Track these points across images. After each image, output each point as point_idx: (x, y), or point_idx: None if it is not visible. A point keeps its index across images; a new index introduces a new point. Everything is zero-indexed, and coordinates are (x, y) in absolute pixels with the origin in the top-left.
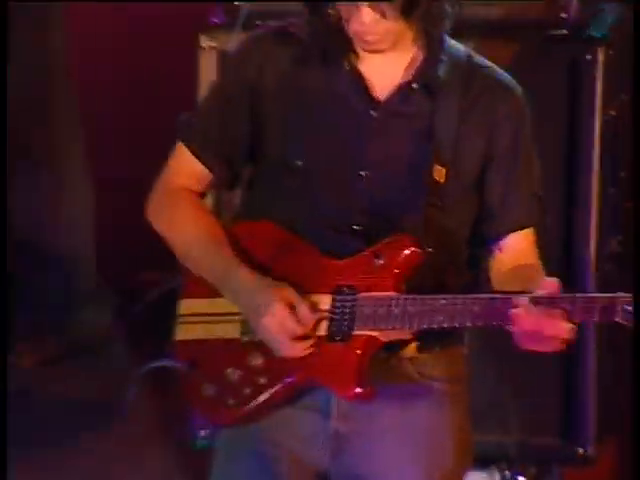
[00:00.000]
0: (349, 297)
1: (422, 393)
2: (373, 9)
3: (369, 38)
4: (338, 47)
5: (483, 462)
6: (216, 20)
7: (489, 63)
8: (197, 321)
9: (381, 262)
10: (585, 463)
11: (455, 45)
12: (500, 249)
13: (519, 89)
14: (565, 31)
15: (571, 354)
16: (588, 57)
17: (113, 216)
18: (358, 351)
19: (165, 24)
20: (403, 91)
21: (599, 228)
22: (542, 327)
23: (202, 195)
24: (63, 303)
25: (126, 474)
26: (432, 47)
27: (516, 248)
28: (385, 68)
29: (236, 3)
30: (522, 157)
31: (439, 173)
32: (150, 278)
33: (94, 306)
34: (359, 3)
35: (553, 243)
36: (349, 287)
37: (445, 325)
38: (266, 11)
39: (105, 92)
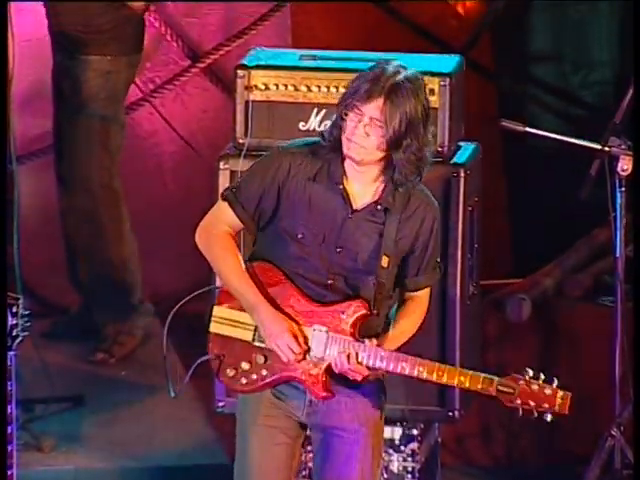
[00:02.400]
0: (323, 334)
1: (361, 385)
2: (364, 128)
3: (352, 145)
4: (337, 172)
5: (393, 421)
6: (229, 151)
7: (420, 185)
8: (225, 323)
9: (344, 317)
10: (453, 422)
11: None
12: (410, 296)
13: (436, 204)
14: (441, 159)
15: (445, 358)
16: (455, 174)
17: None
18: (323, 370)
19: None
20: (371, 208)
21: (462, 277)
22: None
23: (235, 236)
24: (128, 315)
25: (172, 426)
26: (389, 183)
27: (419, 298)
28: (362, 191)
29: (240, 141)
30: (433, 245)
31: (385, 261)
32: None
33: (141, 315)
34: (362, 121)
35: (435, 287)
36: (324, 329)
37: (375, 366)
38: (258, 146)
39: (156, 201)
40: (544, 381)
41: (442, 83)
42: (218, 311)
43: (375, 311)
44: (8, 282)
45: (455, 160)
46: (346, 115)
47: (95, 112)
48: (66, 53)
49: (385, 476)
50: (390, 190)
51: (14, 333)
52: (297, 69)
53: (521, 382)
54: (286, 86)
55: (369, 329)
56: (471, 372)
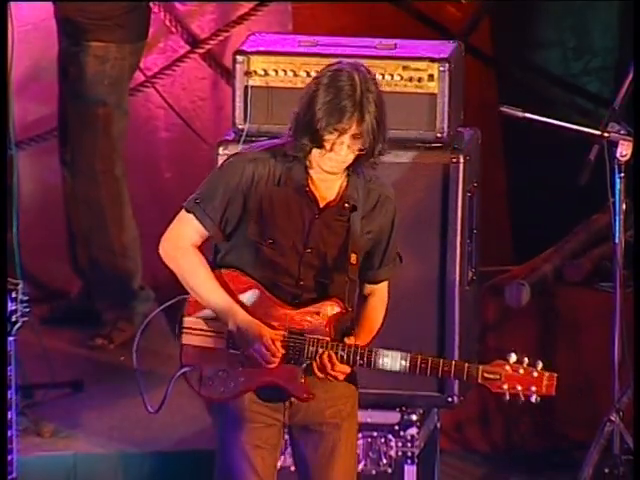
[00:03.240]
0: (299, 337)
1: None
2: (349, 147)
3: (333, 163)
4: (301, 175)
5: (393, 407)
6: (228, 137)
7: (376, 176)
8: (196, 333)
9: (319, 317)
10: (452, 407)
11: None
12: (371, 289)
13: (393, 194)
14: (440, 144)
15: (444, 344)
16: (454, 160)
17: None
18: (302, 371)
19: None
20: (337, 207)
21: (461, 263)
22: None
23: (200, 246)
24: (128, 302)
25: (170, 411)
26: (354, 178)
27: (380, 290)
28: (327, 190)
29: (240, 127)
30: (393, 237)
31: (354, 258)
32: None
33: (142, 301)
34: (344, 143)
35: (434, 272)
36: (300, 331)
37: (356, 364)
38: (258, 131)
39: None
40: (528, 364)
41: (441, 69)
42: (188, 322)
43: (350, 308)
44: (7, 267)
45: (454, 146)
46: (324, 135)
47: (98, 98)
48: (71, 39)
49: (384, 461)
50: (353, 184)
51: (13, 318)
52: (296, 55)
53: (506, 367)
54: (285, 72)
55: (343, 326)
56: (454, 361)
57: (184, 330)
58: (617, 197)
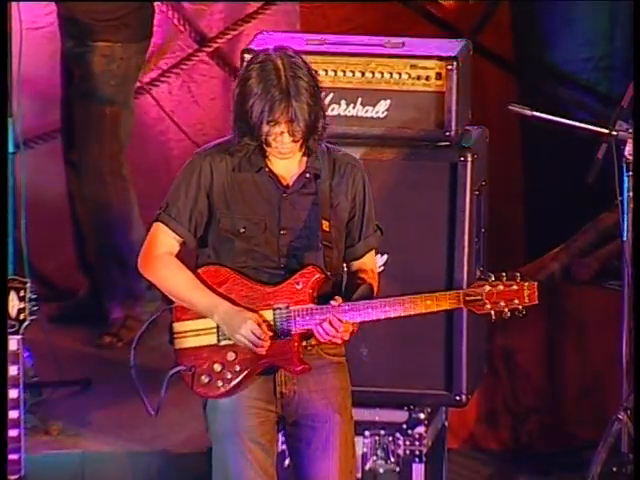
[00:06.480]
0: (284, 311)
1: (327, 365)
2: (289, 134)
3: (284, 150)
4: (259, 158)
5: (400, 405)
6: None
7: (339, 148)
8: (187, 336)
9: (300, 287)
10: (460, 406)
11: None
12: (357, 265)
13: (360, 162)
14: (448, 142)
15: (452, 342)
16: (462, 159)
17: None
18: (296, 343)
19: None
20: (300, 179)
21: (469, 262)
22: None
23: (177, 254)
24: (137, 301)
25: (178, 410)
26: (310, 151)
27: (364, 262)
28: (288, 167)
29: None
30: (369, 205)
31: (326, 225)
32: None
33: (149, 300)
34: (284, 132)
35: (442, 271)
36: (285, 306)
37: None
38: None
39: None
40: (507, 279)
41: (449, 67)
42: (178, 327)
43: (328, 273)
44: (16, 266)
45: (462, 144)
46: (262, 129)
47: (106, 99)
48: (77, 40)
49: (392, 460)
50: (313, 157)
51: (22, 317)
52: (304, 53)
53: (486, 286)
54: None
55: (326, 291)
56: (436, 294)
57: (175, 336)
58: (625, 195)
